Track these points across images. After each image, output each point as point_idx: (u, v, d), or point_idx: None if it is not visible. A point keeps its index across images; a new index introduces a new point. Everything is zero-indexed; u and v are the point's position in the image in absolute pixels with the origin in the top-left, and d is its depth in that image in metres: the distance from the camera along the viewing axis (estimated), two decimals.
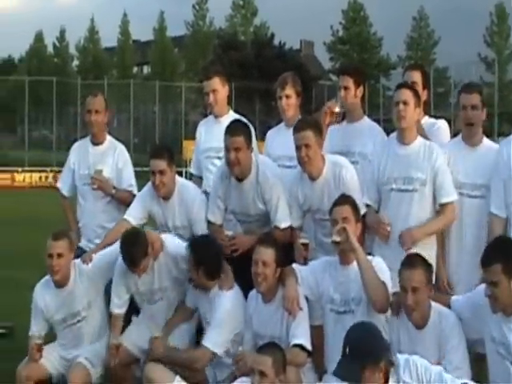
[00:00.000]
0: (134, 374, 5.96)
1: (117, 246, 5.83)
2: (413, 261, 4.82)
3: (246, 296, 5.60)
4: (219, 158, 6.31)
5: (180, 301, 5.98)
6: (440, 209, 5.54)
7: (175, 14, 75.22)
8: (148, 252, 5.64)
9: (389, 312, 5.05)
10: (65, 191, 7.01)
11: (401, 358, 4.14)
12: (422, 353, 4.72)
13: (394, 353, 4.33)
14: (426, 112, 6.25)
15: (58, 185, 7.12)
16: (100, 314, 6.03)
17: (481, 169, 5.61)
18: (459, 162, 5.66)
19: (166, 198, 6.13)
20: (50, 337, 6.11)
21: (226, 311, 5.47)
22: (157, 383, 5.40)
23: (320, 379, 5.18)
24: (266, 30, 62.38)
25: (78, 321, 5.95)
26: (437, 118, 6.44)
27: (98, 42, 71.90)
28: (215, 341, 5.42)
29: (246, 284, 5.51)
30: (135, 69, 73.50)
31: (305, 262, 5.53)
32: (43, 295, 5.97)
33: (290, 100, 6.31)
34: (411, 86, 5.72)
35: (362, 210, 5.48)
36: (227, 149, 5.72)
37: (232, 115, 6.56)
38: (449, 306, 4.97)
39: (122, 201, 6.56)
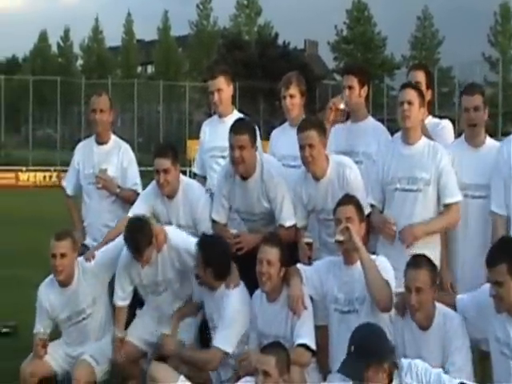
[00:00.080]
0: (142, 369, 5.96)
1: (119, 240, 5.86)
2: (418, 261, 4.81)
3: (250, 295, 5.60)
4: (224, 157, 6.31)
5: (187, 295, 5.99)
6: (444, 209, 5.53)
7: (179, 14, 75.16)
8: (152, 241, 5.65)
9: (393, 312, 5.05)
10: (69, 190, 7.03)
11: (404, 361, 4.20)
12: (427, 354, 4.75)
13: (398, 356, 4.37)
14: (430, 112, 6.24)
15: (63, 183, 7.15)
16: (104, 309, 6.05)
17: (484, 169, 5.60)
18: (463, 162, 5.65)
19: (171, 196, 6.13)
20: (55, 334, 6.12)
21: (235, 310, 5.46)
22: (161, 383, 5.40)
23: (324, 379, 5.18)
24: (270, 30, 62.39)
25: (83, 318, 5.97)
26: (441, 117, 6.43)
27: (102, 42, 71.96)
28: (226, 340, 5.41)
29: (251, 283, 5.52)
30: (139, 68, 73.56)
31: (309, 262, 5.53)
32: (48, 294, 5.98)
33: (294, 99, 6.31)
34: (416, 86, 5.72)
35: (367, 210, 5.48)
36: (232, 147, 5.73)
37: (236, 115, 6.55)
38: (454, 306, 4.96)
39: (127, 200, 6.55)
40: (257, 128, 5.99)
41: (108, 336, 6.00)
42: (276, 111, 40.83)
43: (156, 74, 66.21)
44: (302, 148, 5.56)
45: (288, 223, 5.82)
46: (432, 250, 5.35)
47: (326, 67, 68.44)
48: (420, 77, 6.17)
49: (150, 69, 74.89)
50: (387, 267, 5.09)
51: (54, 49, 72.83)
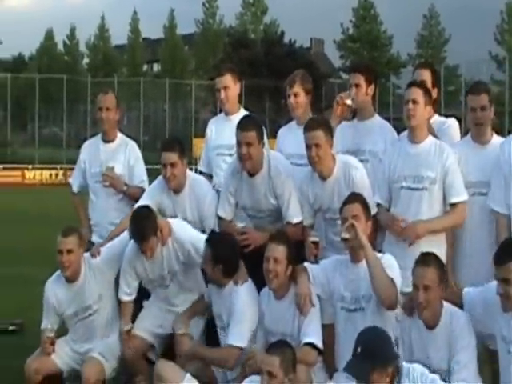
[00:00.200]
0: (150, 360, 5.99)
1: (124, 236, 5.91)
2: (426, 259, 4.81)
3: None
4: (231, 155, 6.32)
5: (193, 286, 6.02)
6: (449, 208, 5.53)
7: (185, 12, 75.06)
8: (157, 232, 5.68)
9: (399, 310, 5.05)
10: (75, 188, 7.06)
11: (405, 365, 4.29)
12: (433, 353, 4.77)
13: (401, 361, 4.42)
14: (436, 110, 6.23)
15: (70, 180, 7.19)
16: (111, 305, 6.07)
17: (490, 166, 5.59)
18: (469, 161, 5.64)
19: (177, 191, 6.15)
20: (61, 331, 6.14)
21: (245, 305, 5.46)
22: (167, 381, 5.41)
23: (331, 378, 5.18)
24: (275, 28, 62.32)
25: (90, 314, 5.99)
26: (447, 116, 6.43)
27: (108, 40, 71.95)
28: (239, 336, 5.40)
29: (258, 281, 5.53)
30: (145, 66, 73.56)
31: (315, 260, 5.54)
32: (54, 290, 6.01)
33: (298, 98, 6.31)
34: (421, 85, 5.70)
35: (373, 210, 5.48)
36: (239, 143, 5.75)
37: (243, 113, 6.55)
38: (460, 304, 4.96)
39: (134, 197, 6.55)
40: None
41: (115, 334, 6.03)
42: (282, 110, 40.83)
43: (162, 72, 66.21)
44: (308, 148, 5.56)
45: (295, 220, 5.84)
46: (437, 248, 5.32)
47: (331, 65, 68.36)
48: (426, 75, 6.16)
49: (156, 67, 74.88)
50: (393, 265, 5.09)
51: (60, 47, 72.86)
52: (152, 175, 6.62)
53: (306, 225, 5.85)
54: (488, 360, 5.22)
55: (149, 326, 6.04)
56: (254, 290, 5.58)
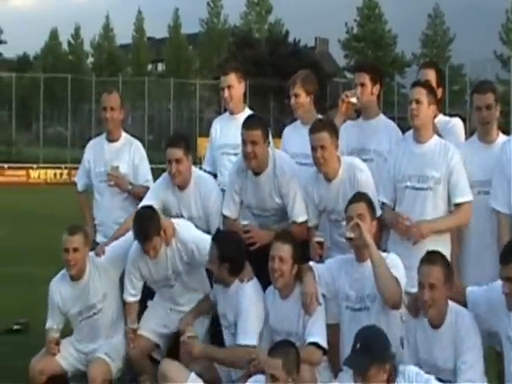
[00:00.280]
0: (155, 359, 5.98)
1: (129, 236, 5.91)
2: (432, 258, 4.80)
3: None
4: (236, 154, 6.33)
5: (197, 285, 6.03)
6: (454, 208, 5.52)
7: (190, 12, 75.46)
8: (161, 232, 5.68)
9: (404, 310, 5.05)
10: (79, 187, 7.07)
11: (401, 367, 4.39)
12: (439, 353, 4.76)
13: (397, 363, 4.53)
14: (441, 110, 6.22)
15: (75, 179, 7.20)
16: (116, 305, 6.08)
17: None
18: (475, 159, 5.62)
19: (182, 187, 6.15)
20: (65, 331, 6.14)
21: (252, 302, 5.45)
22: (171, 380, 5.41)
23: (336, 378, 5.18)
24: (280, 28, 62.34)
25: (94, 313, 6.00)
26: (452, 116, 6.42)
27: (113, 40, 72.05)
28: (249, 335, 5.38)
29: (263, 281, 5.53)
30: (150, 66, 73.63)
31: (320, 261, 5.54)
32: (59, 289, 6.02)
33: (298, 99, 6.31)
34: (425, 84, 5.69)
35: (378, 212, 5.48)
36: (244, 142, 5.75)
37: (248, 112, 6.56)
38: (464, 302, 4.95)
39: (139, 197, 6.53)
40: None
41: (119, 334, 6.03)
42: (286, 109, 40.80)
43: (166, 71, 66.27)
44: (314, 149, 5.57)
45: (300, 219, 5.84)
46: (442, 247, 5.30)
47: (336, 65, 68.36)
48: (430, 75, 6.16)
49: (160, 66, 74.97)
50: (398, 265, 5.08)
51: (65, 46, 72.97)
52: (156, 174, 6.62)
53: (310, 226, 5.85)
54: (493, 360, 5.21)
55: (153, 325, 6.04)
56: (260, 288, 5.57)
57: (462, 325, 4.76)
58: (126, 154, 6.78)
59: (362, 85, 6.02)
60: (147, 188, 6.56)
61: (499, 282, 4.64)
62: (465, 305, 4.96)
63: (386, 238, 5.69)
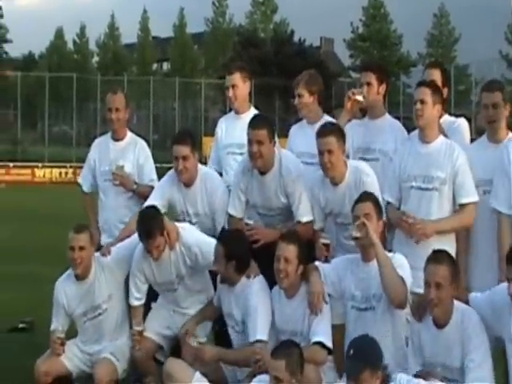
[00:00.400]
0: (159, 361, 5.99)
1: (135, 237, 5.90)
2: (439, 257, 4.79)
3: None
4: (241, 154, 6.33)
5: (200, 289, 6.03)
6: (459, 209, 5.51)
7: (195, 11, 75.46)
8: (164, 234, 5.68)
9: (409, 310, 5.05)
10: (85, 187, 7.03)
11: (394, 377, 4.49)
12: (445, 352, 4.75)
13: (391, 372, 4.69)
14: (446, 110, 6.21)
15: (79, 180, 7.15)
16: (120, 306, 6.08)
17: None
18: (483, 159, 5.59)
19: (188, 184, 6.17)
20: (70, 333, 6.14)
21: (260, 298, 5.45)
22: (176, 380, 5.41)
23: (341, 378, 5.17)
24: (285, 27, 62.29)
25: (99, 314, 6.00)
26: (457, 116, 6.42)
27: (118, 39, 72.10)
28: (260, 331, 5.37)
29: (269, 281, 5.54)
30: (155, 65, 73.64)
31: (326, 261, 5.53)
32: (64, 289, 6.02)
33: (301, 99, 6.32)
34: (430, 84, 5.68)
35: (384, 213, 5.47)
36: (250, 142, 5.76)
37: (253, 112, 6.57)
38: (467, 303, 4.94)
39: (144, 196, 6.53)
40: None
41: (124, 337, 6.04)
42: (291, 108, 40.79)
43: (172, 71, 66.28)
44: (321, 153, 5.58)
45: (305, 219, 5.84)
46: (447, 247, 5.28)
47: (341, 64, 68.32)
48: (436, 75, 6.15)
49: (165, 66, 74.98)
50: (404, 265, 5.08)
51: (70, 45, 73.08)
52: (161, 174, 6.63)
53: (316, 228, 5.85)
54: (499, 360, 5.20)
55: (157, 327, 6.04)
56: (266, 284, 5.58)
57: (469, 323, 4.75)
58: (131, 154, 6.78)
59: (369, 84, 6.01)
60: (152, 187, 6.55)
61: (502, 285, 4.64)
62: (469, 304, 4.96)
63: (390, 237, 5.69)
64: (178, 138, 6.19)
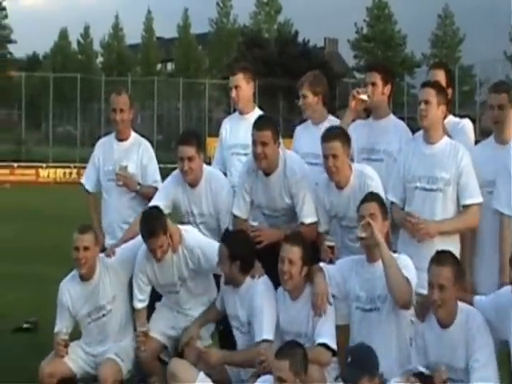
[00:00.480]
0: (164, 360, 6.00)
1: (139, 239, 5.88)
2: (442, 258, 4.78)
3: None
4: (246, 155, 6.33)
5: (203, 291, 6.03)
6: (463, 210, 5.49)
7: (199, 11, 75.16)
8: (167, 234, 5.68)
9: (413, 311, 5.04)
10: (89, 187, 6.99)
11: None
12: (450, 353, 4.75)
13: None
14: (451, 111, 6.20)
15: (82, 181, 7.11)
16: (124, 308, 6.07)
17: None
18: (490, 160, 5.58)
19: (193, 185, 6.17)
20: (74, 335, 6.13)
21: (265, 299, 5.45)
22: (180, 380, 5.41)
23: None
24: (289, 28, 62.26)
25: (103, 315, 5.99)
26: (461, 116, 6.40)
27: (122, 39, 72.15)
28: (266, 331, 5.37)
29: (273, 282, 5.54)
30: (159, 66, 73.65)
31: (331, 262, 5.53)
32: (68, 290, 6.01)
33: (305, 100, 6.33)
34: (435, 84, 5.67)
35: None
36: (254, 143, 5.77)
37: (257, 112, 6.57)
38: (472, 304, 4.93)
39: (147, 197, 6.53)
40: None
41: (127, 338, 6.04)
42: (295, 109, 40.80)
43: (176, 71, 66.34)
44: (325, 158, 5.59)
45: (309, 220, 5.84)
46: (451, 248, 5.25)
47: (345, 65, 68.29)
48: (440, 76, 6.14)
49: (169, 66, 75.01)
50: (409, 265, 5.08)
51: (75, 46, 73.12)
52: (165, 175, 6.63)
53: (321, 231, 5.86)
54: (504, 361, 5.19)
55: (162, 327, 6.04)
56: (271, 285, 5.57)
57: (473, 323, 4.75)
58: (135, 154, 6.76)
59: (373, 84, 6.00)
60: (155, 188, 6.55)
61: (506, 288, 4.63)
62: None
63: (394, 238, 5.68)
64: (184, 139, 6.19)
